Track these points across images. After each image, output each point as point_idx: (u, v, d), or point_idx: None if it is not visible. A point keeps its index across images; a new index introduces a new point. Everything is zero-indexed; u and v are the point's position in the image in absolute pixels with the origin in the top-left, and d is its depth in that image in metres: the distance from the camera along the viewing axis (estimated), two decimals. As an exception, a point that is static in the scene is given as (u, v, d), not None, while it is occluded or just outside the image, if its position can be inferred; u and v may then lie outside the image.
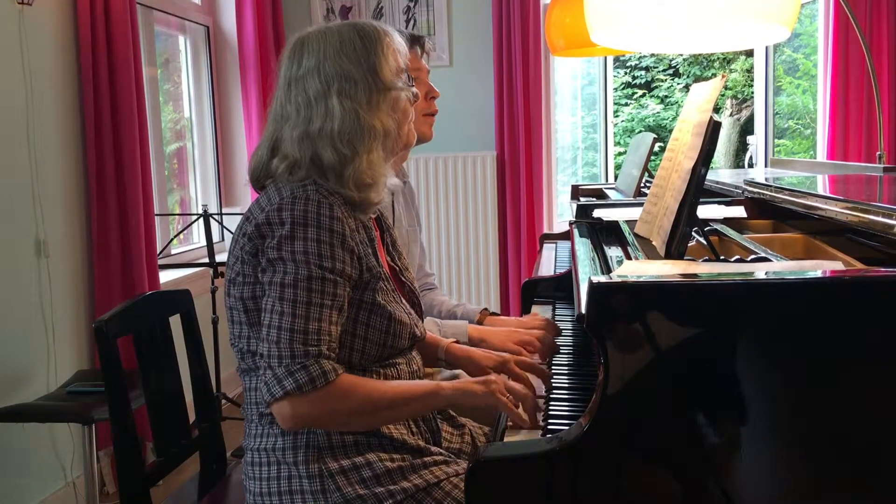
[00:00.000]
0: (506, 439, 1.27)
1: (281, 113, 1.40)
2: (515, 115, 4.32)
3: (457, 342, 1.65)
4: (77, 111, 2.92)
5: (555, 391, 1.45)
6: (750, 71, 8.70)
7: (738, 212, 1.95)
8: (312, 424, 1.30)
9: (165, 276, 3.36)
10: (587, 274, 1.43)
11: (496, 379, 1.36)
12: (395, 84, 1.39)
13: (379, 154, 1.38)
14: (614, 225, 1.92)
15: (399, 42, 1.44)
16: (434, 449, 1.41)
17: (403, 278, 1.53)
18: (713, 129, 1.39)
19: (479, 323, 1.92)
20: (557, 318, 1.98)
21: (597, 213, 2.10)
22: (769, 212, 1.93)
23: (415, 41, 1.96)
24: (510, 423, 1.32)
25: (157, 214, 3.28)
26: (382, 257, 1.45)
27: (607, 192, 3.07)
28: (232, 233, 1.39)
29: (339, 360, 1.30)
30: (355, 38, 1.38)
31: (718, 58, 9.73)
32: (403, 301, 1.45)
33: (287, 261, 1.27)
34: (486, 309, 1.98)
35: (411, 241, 2.09)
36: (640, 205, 1.78)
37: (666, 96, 10.14)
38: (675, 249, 1.41)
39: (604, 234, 1.92)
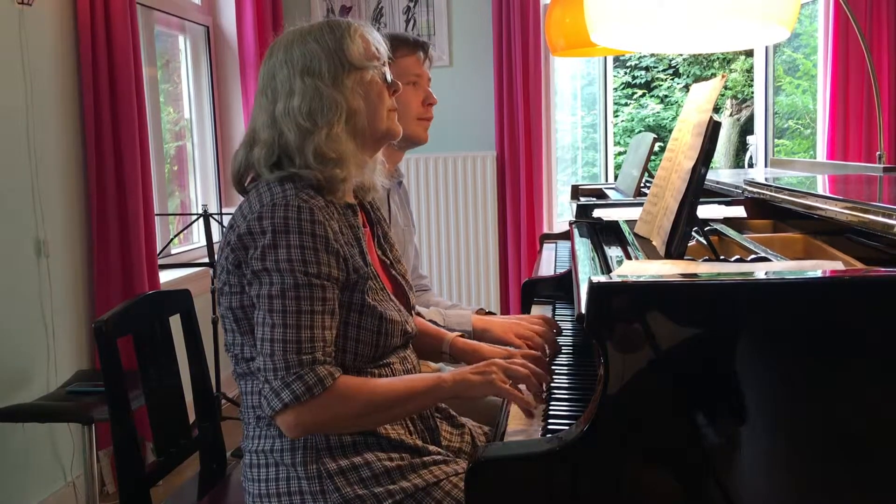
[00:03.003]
0: (506, 439, 1.27)
1: (255, 108, 1.41)
2: (515, 115, 4.32)
3: (462, 335, 1.64)
4: (77, 111, 2.92)
5: (555, 391, 1.45)
6: (750, 71, 8.69)
7: (738, 212, 1.94)
8: (319, 430, 1.30)
9: (165, 276, 3.36)
10: (587, 274, 1.43)
11: (494, 367, 1.33)
12: (362, 63, 1.39)
13: (341, 130, 1.36)
14: (614, 225, 1.92)
15: (373, 33, 1.44)
16: (433, 448, 1.41)
17: (395, 271, 1.52)
18: (713, 129, 1.38)
19: None
20: (557, 318, 1.98)
21: (597, 213, 2.10)
22: (769, 212, 1.93)
23: (418, 46, 1.95)
24: (509, 426, 1.32)
25: (157, 214, 3.28)
26: (372, 253, 1.45)
27: (607, 192, 3.07)
28: (219, 245, 1.39)
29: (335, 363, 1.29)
30: (324, 26, 1.41)
31: (718, 58, 9.73)
32: (394, 298, 1.44)
33: (272, 271, 1.27)
34: (481, 308, 1.98)
35: (406, 241, 2.09)
36: (640, 205, 1.78)
37: (666, 96, 10.14)
38: (675, 249, 1.41)
39: (604, 234, 1.92)
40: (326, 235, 1.29)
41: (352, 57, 1.38)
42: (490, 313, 1.97)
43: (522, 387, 1.36)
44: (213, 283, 3.35)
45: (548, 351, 1.65)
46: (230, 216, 1.39)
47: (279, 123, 1.36)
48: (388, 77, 1.45)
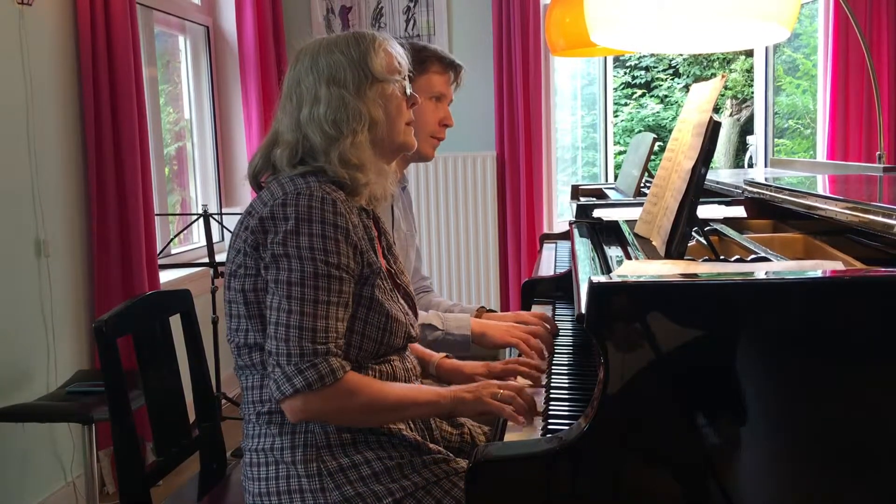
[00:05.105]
0: (506, 439, 1.27)
1: (280, 112, 1.44)
2: (515, 115, 4.32)
3: (448, 356, 1.66)
4: (77, 111, 2.91)
5: (555, 391, 1.45)
6: (750, 71, 8.69)
7: (738, 212, 1.95)
8: (322, 420, 1.33)
9: (165, 276, 3.36)
10: (587, 274, 1.43)
11: (485, 384, 1.38)
12: (384, 76, 1.43)
13: (364, 139, 1.40)
14: (614, 225, 1.92)
15: (395, 47, 1.48)
16: (433, 447, 1.42)
17: (399, 281, 1.54)
18: (713, 129, 1.39)
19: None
20: (557, 318, 1.98)
21: (597, 213, 2.10)
22: (769, 212, 1.93)
23: (451, 67, 2.00)
24: (509, 426, 1.32)
25: (157, 214, 3.28)
26: (380, 257, 1.46)
27: (607, 192, 3.07)
28: (232, 232, 1.41)
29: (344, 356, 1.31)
30: (350, 37, 1.44)
31: (718, 58, 9.72)
32: (400, 300, 1.46)
33: (292, 257, 1.29)
34: (482, 307, 1.99)
35: (409, 245, 2.10)
36: (640, 205, 1.78)
37: (666, 96, 10.14)
38: (675, 249, 1.41)
39: (604, 234, 1.92)
40: (347, 227, 1.32)
41: (375, 69, 1.42)
42: (490, 311, 1.98)
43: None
44: (213, 283, 3.35)
45: (545, 353, 1.68)
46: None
47: (304, 128, 1.39)
48: (408, 90, 1.48)
